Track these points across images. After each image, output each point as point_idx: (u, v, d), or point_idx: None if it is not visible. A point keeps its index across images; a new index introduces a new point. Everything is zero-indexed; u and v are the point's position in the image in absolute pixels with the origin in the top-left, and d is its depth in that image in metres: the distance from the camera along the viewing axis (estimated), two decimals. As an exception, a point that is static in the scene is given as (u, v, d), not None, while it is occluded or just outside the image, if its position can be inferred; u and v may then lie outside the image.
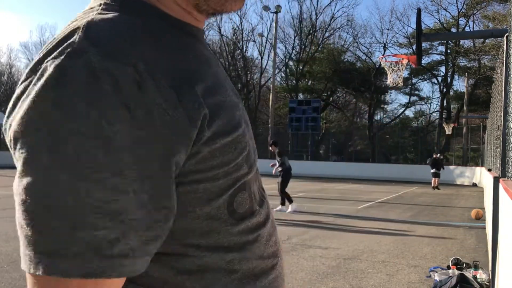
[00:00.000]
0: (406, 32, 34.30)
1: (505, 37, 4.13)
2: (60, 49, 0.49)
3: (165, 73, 0.51)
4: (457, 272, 4.26)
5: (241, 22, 37.35)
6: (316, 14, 35.95)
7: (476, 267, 4.48)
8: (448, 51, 33.07)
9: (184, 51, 0.57)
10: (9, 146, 0.51)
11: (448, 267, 4.67)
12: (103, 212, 0.46)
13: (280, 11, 28.52)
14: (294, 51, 37.09)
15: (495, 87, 7.10)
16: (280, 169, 9.31)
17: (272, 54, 30.56)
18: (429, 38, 11.13)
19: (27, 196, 0.46)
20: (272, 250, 0.66)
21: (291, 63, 37.66)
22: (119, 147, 0.46)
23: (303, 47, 36.42)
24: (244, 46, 37.94)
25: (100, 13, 0.54)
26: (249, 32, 38.11)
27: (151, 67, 0.50)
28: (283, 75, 38.19)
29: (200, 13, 0.62)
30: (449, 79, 34.49)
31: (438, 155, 18.89)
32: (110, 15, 0.53)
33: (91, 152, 0.45)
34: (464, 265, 4.72)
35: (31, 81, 0.49)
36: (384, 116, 40.15)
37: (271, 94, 29.39)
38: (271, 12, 29.88)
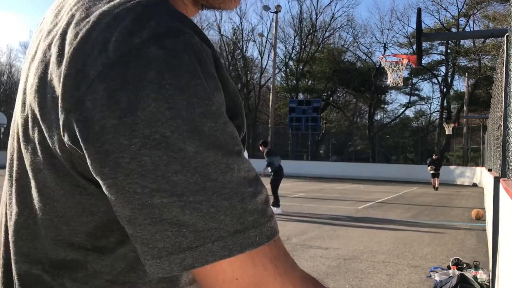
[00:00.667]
0: (406, 32, 34.34)
1: (505, 37, 4.12)
2: (148, 27, 0.44)
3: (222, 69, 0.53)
4: (457, 272, 4.26)
5: (241, 22, 37.45)
6: (316, 14, 36.00)
7: (476, 267, 4.47)
8: (448, 51, 33.07)
9: None
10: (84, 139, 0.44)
11: (449, 267, 4.66)
12: (251, 180, 0.46)
13: (280, 11, 28.53)
14: (294, 51, 37.12)
15: (495, 87, 7.10)
16: (269, 169, 9.29)
17: (272, 54, 30.57)
18: (429, 38, 11.13)
19: (184, 188, 0.43)
20: None
21: (291, 63, 37.69)
22: (232, 128, 0.47)
23: (303, 47, 36.42)
24: (244, 46, 37.99)
25: None
26: (249, 32, 38.22)
27: (216, 54, 0.51)
28: (283, 75, 38.22)
29: (194, 5, 0.62)
30: (449, 79, 34.49)
31: (434, 155, 18.70)
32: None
33: (226, 130, 0.45)
34: (465, 265, 4.72)
35: (122, 71, 0.43)
36: (384, 116, 40.18)
37: (271, 94, 29.39)
38: (271, 12, 29.91)
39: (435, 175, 17.52)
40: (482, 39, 28.86)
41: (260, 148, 9.59)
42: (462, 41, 31.57)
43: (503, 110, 4.12)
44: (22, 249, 0.54)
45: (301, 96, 35.66)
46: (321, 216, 8.93)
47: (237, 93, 0.52)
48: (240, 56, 38.12)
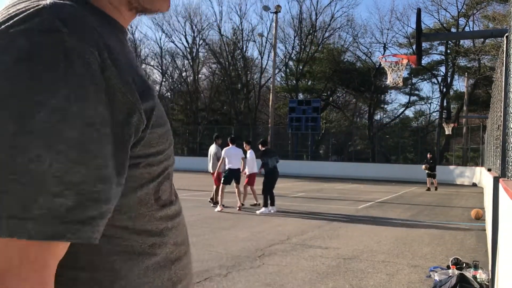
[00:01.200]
0: (406, 32, 34.35)
1: (505, 37, 4.13)
2: (28, 24, 0.50)
3: (124, 64, 0.56)
4: (457, 272, 4.26)
5: (241, 22, 37.42)
6: (316, 14, 35.99)
7: (476, 267, 4.48)
8: (448, 51, 33.07)
9: (122, 45, 0.62)
10: None
11: (448, 267, 4.67)
12: (62, 182, 0.48)
13: (280, 11, 28.52)
14: (294, 51, 37.13)
15: (495, 87, 7.10)
16: (262, 170, 9.22)
17: (272, 54, 30.56)
18: (429, 38, 11.13)
19: None
20: (184, 238, 0.73)
21: (291, 63, 37.69)
22: (85, 123, 0.49)
23: (303, 47, 36.42)
24: (244, 46, 38.00)
25: None
26: (249, 32, 38.24)
27: (113, 56, 0.54)
28: (283, 75, 38.22)
29: (130, 10, 0.66)
30: (449, 79, 34.50)
31: (428, 154, 18.35)
32: (67, 2, 0.55)
33: (57, 126, 0.48)
34: (464, 265, 4.73)
35: None
36: (384, 116, 40.20)
37: (271, 94, 29.39)
38: (271, 12, 29.89)
39: (430, 175, 17.30)
40: (482, 39, 28.85)
41: (259, 147, 9.57)
42: (461, 41, 31.57)
43: (502, 110, 4.12)
44: None
45: (301, 96, 35.66)
46: (321, 216, 8.93)
47: (126, 100, 0.54)
48: (240, 56, 38.13)
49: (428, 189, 17.03)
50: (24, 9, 0.52)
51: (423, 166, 17.60)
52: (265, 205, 8.95)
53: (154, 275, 0.64)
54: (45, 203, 0.48)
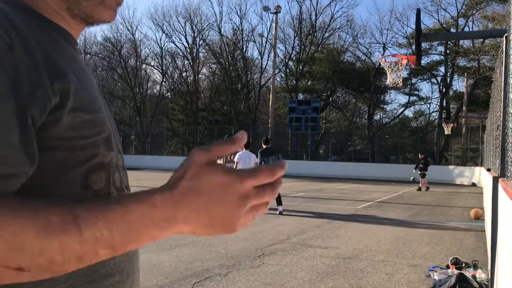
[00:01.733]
0: (406, 32, 34.36)
1: (504, 37, 4.14)
2: None
3: (34, 44, 0.58)
4: (456, 271, 4.27)
5: (241, 23, 37.40)
6: (316, 15, 35.99)
7: (475, 267, 4.49)
8: (448, 51, 33.08)
9: (53, 41, 0.64)
10: None
11: (447, 267, 4.68)
12: None
13: (280, 12, 28.54)
14: (294, 51, 37.13)
15: (495, 87, 7.12)
16: None
17: (272, 54, 30.58)
18: (429, 38, 11.14)
19: None
20: None
21: (291, 63, 37.70)
22: None
23: (302, 47, 36.43)
24: (244, 47, 37.99)
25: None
26: (249, 33, 38.11)
27: (22, 35, 0.57)
28: (283, 75, 38.23)
29: (73, 18, 0.68)
30: (448, 79, 34.50)
31: (419, 155, 18.17)
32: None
33: None
34: (463, 265, 4.74)
35: None
36: (384, 116, 40.21)
37: (271, 94, 29.40)
38: (271, 13, 29.92)
39: (421, 175, 17.14)
40: (481, 40, 28.88)
41: (262, 145, 9.60)
42: (461, 42, 31.58)
43: (502, 110, 4.13)
44: None
45: (300, 96, 35.67)
46: (321, 215, 8.94)
47: (27, 70, 0.56)
48: (240, 56, 38.13)
49: (419, 189, 16.95)
50: None
51: (414, 170, 17.54)
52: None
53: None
54: None
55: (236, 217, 0.55)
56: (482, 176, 16.28)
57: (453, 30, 32.36)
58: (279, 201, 8.98)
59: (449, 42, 31.91)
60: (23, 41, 0.56)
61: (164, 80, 40.57)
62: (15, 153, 0.53)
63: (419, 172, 17.14)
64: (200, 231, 0.56)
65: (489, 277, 4.13)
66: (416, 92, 37.57)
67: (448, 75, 34.21)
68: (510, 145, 3.37)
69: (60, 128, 0.60)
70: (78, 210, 0.51)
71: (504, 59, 4.27)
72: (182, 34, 39.48)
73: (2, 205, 0.49)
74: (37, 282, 0.54)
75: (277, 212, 8.85)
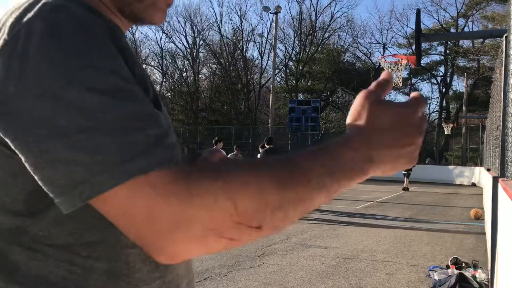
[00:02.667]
0: (406, 32, 34.38)
1: (504, 38, 4.15)
2: (36, 9, 0.52)
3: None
4: (456, 271, 4.28)
5: (241, 23, 37.35)
6: (316, 15, 36.00)
7: (475, 267, 4.49)
8: (447, 51, 33.09)
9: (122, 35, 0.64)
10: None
11: (447, 267, 4.68)
12: (139, 117, 0.50)
13: (280, 12, 28.51)
14: (294, 52, 37.13)
15: (494, 87, 7.12)
16: None
17: (272, 55, 30.57)
18: (428, 38, 11.15)
19: (69, 130, 0.48)
20: None
21: (291, 63, 37.70)
22: (119, 75, 0.52)
23: (303, 47, 36.44)
24: (244, 47, 37.99)
25: None
26: (249, 33, 38.05)
27: (117, 28, 0.58)
28: (283, 75, 38.23)
29: (124, 17, 0.68)
30: (448, 79, 34.52)
31: None
32: None
33: (113, 80, 0.51)
34: (463, 265, 4.74)
35: (16, 42, 0.51)
36: (384, 116, 40.13)
37: (271, 94, 29.40)
38: (271, 13, 29.90)
39: (405, 174, 16.59)
40: (481, 40, 28.89)
41: (265, 145, 9.15)
42: (461, 42, 31.60)
43: (502, 110, 4.14)
44: None
45: (300, 96, 35.66)
46: (321, 215, 8.94)
47: (134, 60, 0.57)
48: (240, 56, 38.12)
49: (406, 189, 16.50)
50: (27, 3, 0.55)
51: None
52: None
53: (166, 270, 0.64)
54: (140, 137, 0.49)
55: (418, 146, 0.59)
56: (482, 176, 16.29)
57: (453, 30, 32.37)
58: None
59: (449, 42, 31.92)
60: (119, 34, 0.57)
61: (164, 80, 40.58)
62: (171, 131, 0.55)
63: (404, 172, 16.65)
64: (389, 168, 0.58)
65: (489, 277, 4.13)
66: (416, 92, 37.57)
67: (448, 75, 34.23)
68: (510, 145, 3.37)
69: None
70: (300, 161, 0.52)
71: (503, 59, 4.28)
72: (182, 34, 39.51)
73: (235, 164, 0.51)
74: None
75: None
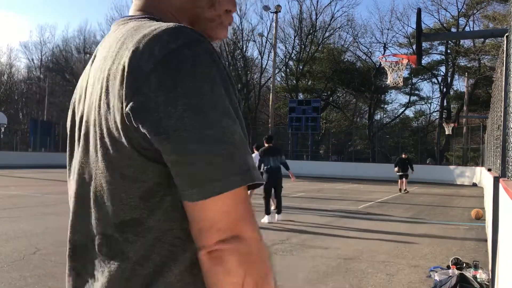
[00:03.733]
0: (406, 32, 34.35)
1: (505, 37, 4.13)
2: (182, 40, 0.65)
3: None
4: (457, 272, 4.26)
5: (241, 22, 37.26)
6: (316, 14, 35.99)
7: (476, 267, 4.48)
8: (448, 51, 33.07)
9: None
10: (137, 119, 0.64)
11: (448, 267, 4.67)
12: (244, 144, 0.66)
13: (280, 11, 28.52)
14: (294, 51, 37.11)
15: (495, 87, 7.10)
16: (260, 170, 7.88)
17: (272, 54, 30.57)
18: (429, 38, 11.14)
19: (211, 140, 0.63)
20: None
21: (291, 63, 37.68)
22: (234, 105, 0.68)
23: (303, 47, 36.41)
24: (244, 46, 37.96)
25: (161, 20, 0.74)
26: (249, 32, 38.02)
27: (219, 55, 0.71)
28: (283, 75, 38.20)
29: None
30: (449, 79, 34.51)
31: (403, 155, 16.74)
32: (171, 22, 0.71)
33: (232, 104, 0.67)
34: (464, 265, 4.72)
35: (168, 63, 0.64)
36: (384, 116, 40.19)
37: (271, 94, 29.40)
38: (271, 12, 29.90)
39: (403, 176, 15.71)
40: (482, 39, 28.86)
41: (264, 144, 8.41)
42: (461, 41, 31.57)
43: (503, 110, 4.12)
44: (99, 215, 0.71)
45: (301, 96, 35.65)
46: (321, 216, 8.93)
47: (234, 87, 0.70)
48: (240, 56, 38.11)
49: (400, 190, 15.67)
50: (161, 30, 0.66)
51: (396, 169, 16.01)
52: (267, 212, 7.83)
53: None
54: (249, 158, 0.66)
55: None
56: (482, 176, 16.27)
57: (453, 29, 32.34)
58: (279, 209, 8.04)
59: (449, 42, 31.90)
60: (221, 60, 0.70)
61: (165, 80, 40.53)
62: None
63: (399, 173, 15.92)
64: None
65: (490, 277, 4.11)
66: (416, 92, 37.57)
67: (448, 74, 34.21)
68: (511, 145, 3.35)
69: None
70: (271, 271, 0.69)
71: (504, 58, 4.26)
72: (183, 34, 39.47)
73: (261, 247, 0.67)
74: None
75: (275, 219, 7.89)
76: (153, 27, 0.68)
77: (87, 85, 0.79)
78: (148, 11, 0.79)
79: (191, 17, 0.81)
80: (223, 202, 0.63)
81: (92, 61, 0.81)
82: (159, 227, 0.68)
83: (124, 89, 0.64)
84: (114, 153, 0.68)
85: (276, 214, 8.02)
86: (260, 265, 0.66)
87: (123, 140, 0.66)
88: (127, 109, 0.64)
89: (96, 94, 0.72)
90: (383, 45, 34.96)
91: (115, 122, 0.67)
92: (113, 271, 0.69)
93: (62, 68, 41.27)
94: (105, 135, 0.68)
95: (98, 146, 0.70)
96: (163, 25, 0.67)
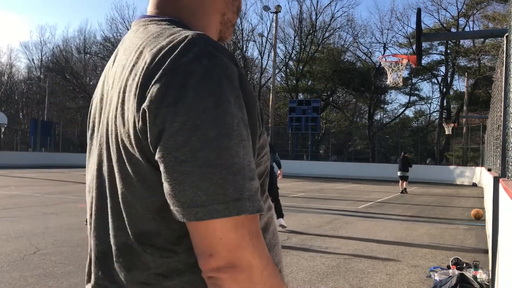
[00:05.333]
0: (406, 32, 34.35)
1: (505, 37, 4.13)
2: (193, 53, 0.64)
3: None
4: (457, 272, 4.26)
5: (241, 22, 37.21)
6: (316, 14, 35.98)
7: (476, 267, 4.48)
8: (448, 51, 33.07)
9: None
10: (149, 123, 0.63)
11: (448, 267, 4.67)
12: (251, 169, 0.63)
13: (280, 11, 28.52)
14: (294, 51, 37.10)
15: (495, 87, 7.10)
16: None
17: (272, 54, 30.57)
18: (429, 38, 11.14)
19: (203, 162, 0.60)
20: (275, 228, 0.86)
21: (291, 63, 37.68)
22: (244, 123, 0.64)
23: (303, 47, 36.41)
24: (244, 46, 37.94)
25: (183, 28, 0.72)
26: (249, 32, 37.99)
27: (242, 73, 0.69)
28: (283, 75, 38.20)
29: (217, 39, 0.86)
30: (449, 79, 34.50)
31: (402, 154, 16.43)
32: (200, 32, 0.69)
33: (239, 126, 0.63)
34: (464, 265, 4.72)
35: (174, 75, 0.63)
36: (384, 116, 40.22)
37: (271, 94, 29.39)
38: (271, 12, 29.90)
39: (402, 177, 15.46)
40: (482, 39, 28.87)
41: None
42: (461, 41, 31.57)
43: (502, 110, 4.12)
44: (118, 226, 0.72)
45: (301, 96, 35.65)
46: (321, 215, 8.93)
47: (254, 102, 0.69)
48: (240, 56, 38.08)
49: (404, 191, 15.31)
50: (176, 41, 0.66)
51: (399, 172, 15.67)
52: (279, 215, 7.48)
53: None
54: (249, 186, 0.62)
55: None
56: (482, 176, 16.26)
57: (453, 29, 32.34)
58: (279, 213, 7.43)
59: (449, 42, 31.90)
60: (242, 71, 0.70)
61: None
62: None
63: (400, 175, 15.63)
64: None
65: (490, 277, 4.12)
66: (416, 92, 37.58)
67: (448, 75, 34.21)
68: (511, 145, 3.36)
69: (257, 149, 0.72)
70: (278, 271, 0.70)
71: (504, 59, 4.26)
72: (183, 34, 39.48)
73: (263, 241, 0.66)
74: None
75: (278, 225, 7.31)
76: (171, 37, 0.67)
77: (107, 88, 0.79)
78: (167, 12, 0.79)
79: (216, 20, 0.82)
80: (213, 228, 0.61)
81: (113, 62, 0.80)
82: (177, 239, 0.68)
83: (136, 104, 0.65)
84: (130, 166, 0.68)
85: (276, 219, 7.47)
86: None
87: (137, 154, 0.66)
88: (136, 116, 0.64)
89: (114, 104, 0.72)
90: (383, 45, 34.99)
91: (129, 136, 0.67)
92: (133, 280, 0.70)
93: (62, 68, 41.23)
94: (121, 147, 0.69)
95: (115, 157, 0.70)
96: (181, 36, 0.66)
